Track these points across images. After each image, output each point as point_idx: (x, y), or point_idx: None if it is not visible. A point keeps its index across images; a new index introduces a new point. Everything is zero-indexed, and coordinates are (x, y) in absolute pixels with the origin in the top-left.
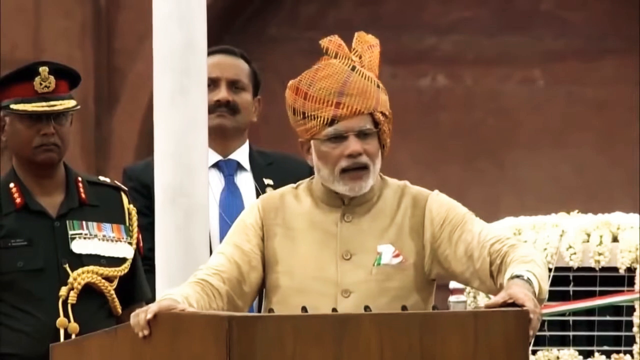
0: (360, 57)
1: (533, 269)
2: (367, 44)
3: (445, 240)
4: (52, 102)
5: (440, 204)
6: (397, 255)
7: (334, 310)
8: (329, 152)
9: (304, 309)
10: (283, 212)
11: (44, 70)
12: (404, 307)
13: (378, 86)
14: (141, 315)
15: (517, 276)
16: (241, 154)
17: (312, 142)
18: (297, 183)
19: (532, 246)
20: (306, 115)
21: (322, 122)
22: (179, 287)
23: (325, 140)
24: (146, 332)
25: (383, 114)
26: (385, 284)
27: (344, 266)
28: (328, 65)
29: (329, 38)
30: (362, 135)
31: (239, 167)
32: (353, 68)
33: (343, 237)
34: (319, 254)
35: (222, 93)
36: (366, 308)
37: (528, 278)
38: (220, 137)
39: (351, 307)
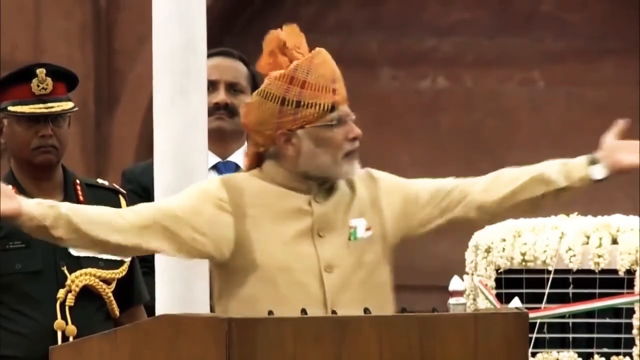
0: (299, 49)
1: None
2: (301, 37)
3: (403, 199)
4: (49, 104)
5: (387, 176)
6: (368, 229)
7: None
8: (333, 137)
9: (304, 310)
10: (249, 193)
11: (41, 72)
12: (403, 309)
13: None
14: None
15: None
16: (240, 156)
17: (299, 131)
18: (248, 172)
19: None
20: (302, 103)
21: (322, 108)
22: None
23: (328, 126)
24: None
25: None
26: (362, 258)
27: (321, 242)
28: (319, 52)
29: (275, 32)
30: (352, 121)
31: (237, 169)
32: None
33: (316, 215)
34: (295, 232)
35: (221, 95)
36: (366, 310)
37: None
38: (219, 140)
39: (336, 282)
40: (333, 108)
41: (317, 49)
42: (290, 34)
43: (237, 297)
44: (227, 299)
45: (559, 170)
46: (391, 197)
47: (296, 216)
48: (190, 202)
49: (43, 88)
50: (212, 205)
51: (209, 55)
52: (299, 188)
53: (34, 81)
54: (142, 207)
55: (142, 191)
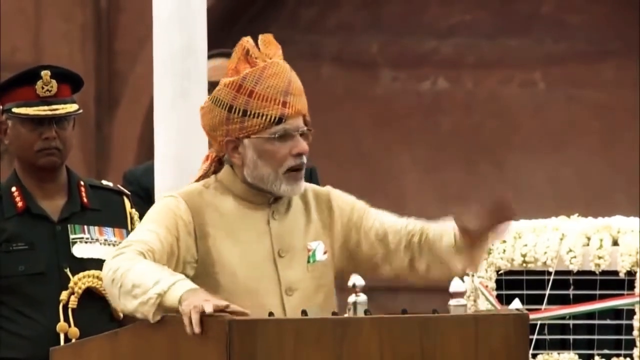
0: (270, 59)
1: None
2: (274, 46)
3: (354, 231)
4: (54, 106)
5: (343, 198)
6: (325, 252)
7: (304, 312)
8: (276, 151)
9: (304, 312)
10: (208, 211)
11: (45, 74)
12: (404, 311)
13: None
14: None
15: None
16: None
17: (245, 141)
18: (202, 182)
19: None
20: (248, 113)
21: (268, 120)
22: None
23: (270, 139)
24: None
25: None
26: (320, 281)
27: (282, 264)
28: (273, 64)
29: (246, 39)
30: (303, 135)
31: None
32: (290, 69)
33: (275, 235)
34: (256, 253)
35: None
36: (366, 312)
37: None
38: None
39: (296, 305)
40: (280, 120)
41: (274, 59)
42: (263, 43)
43: None
44: None
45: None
46: (343, 223)
47: (256, 236)
48: (168, 236)
49: (48, 90)
50: (182, 230)
51: (210, 57)
52: (255, 201)
53: (39, 83)
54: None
55: (142, 192)
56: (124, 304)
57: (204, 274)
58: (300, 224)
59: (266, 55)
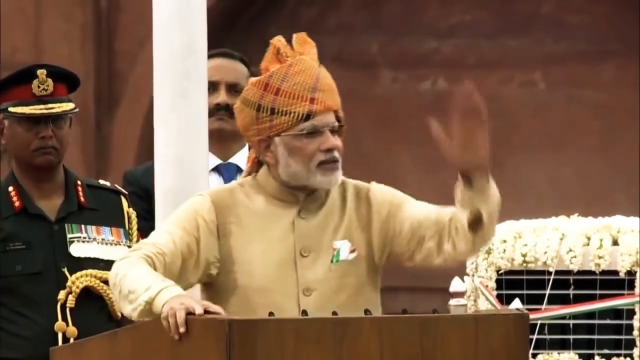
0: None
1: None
2: (309, 44)
3: (391, 224)
4: (50, 105)
5: (382, 193)
6: (353, 251)
7: (304, 312)
8: (304, 147)
9: (304, 312)
10: (236, 210)
11: (41, 73)
12: (404, 311)
13: None
14: (179, 312)
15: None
16: (241, 158)
17: (276, 139)
18: (240, 181)
19: None
20: (276, 111)
21: (296, 117)
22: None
23: (299, 136)
24: (182, 330)
25: (341, 111)
26: (343, 280)
27: (303, 264)
28: (300, 61)
29: (277, 38)
30: (333, 131)
31: (238, 170)
32: (319, 65)
33: (300, 234)
34: (277, 252)
35: (222, 96)
36: (366, 311)
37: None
38: (219, 141)
39: (313, 305)
40: (308, 117)
41: (300, 57)
42: (297, 41)
43: None
44: None
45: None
46: (382, 216)
47: (281, 234)
48: (186, 237)
49: (44, 89)
50: (203, 230)
51: (210, 56)
52: (287, 199)
53: (35, 82)
54: (157, 269)
55: (143, 193)
56: (122, 308)
57: (224, 272)
58: (332, 222)
59: (299, 54)
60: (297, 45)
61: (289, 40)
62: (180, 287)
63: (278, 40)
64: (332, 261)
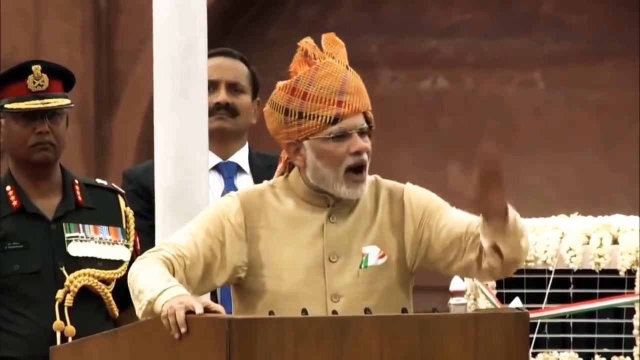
0: (333, 58)
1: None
2: (338, 45)
3: (426, 230)
4: (45, 100)
5: (418, 196)
6: (382, 256)
7: (334, 312)
8: (333, 151)
9: (304, 310)
10: (265, 213)
11: (36, 68)
12: (404, 310)
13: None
14: (179, 312)
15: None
16: (241, 157)
17: (305, 142)
18: (272, 181)
19: None
20: (304, 115)
21: (324, 120)
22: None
23: (327, 139)
24: (184, 330)
25: (370, 112)
26: (372, 286)
27: (332, 269)
28: (326, 64)
29: (305, 40)
30: (362, 134)
31: (238, 169)
32: (346, 67)
33: (329, 239)
34: (306, 257)
35: (222, 95)
36: (366, 310)
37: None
38: (219, 140)
39: (341, 311)
40: (336, 120)
41: (326, 59)
42: (326, 42)
43: None
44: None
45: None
46: (416, 221)
47: (311, 239)
48: (209, 240)
49: (39, 84)
50: (230, 233)
51: (210, 55)
52: (317, 203)
53: (30, 77)
54: (176, 271)
55: (142, 191)
56: (135, 308)
57: (252, 276)
58: (362, 227)
59: (328, 54)
60: (326, 46)
61: (317, 41)
62: (205, 290)
63: (306, 42)
64: (360, 267)
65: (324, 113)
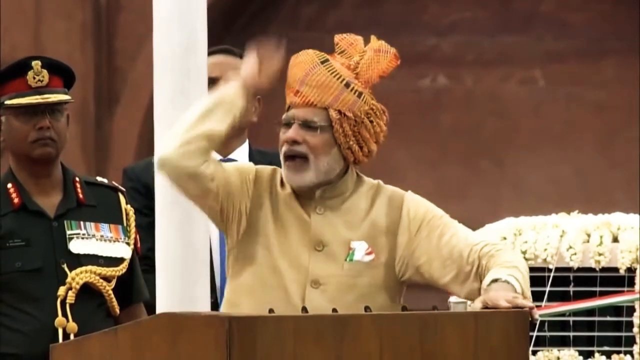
0: (361, 58)
1: (514, 274)
2: (380, 49)
3: (423, 244)
4: (46, 95)
5: (417, 206)
6: (369, 253)
7: (304, 310)
8: (280, 138)
9: (304, 309)
10: (269, 191)
11: (36, 64)
12: (404, 308)
13: (347, 85)
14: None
15: (495, 280)
16: (241, 154)
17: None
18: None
19: (518, 253)
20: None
21: (286, 108)
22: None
23: (281, 126)
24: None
25: (341, 112)
26: (355, 280)
27: (316, 257)
28: (302, 54)
29: (343, 35)
30: (306, 126)
31: None
32: (324, 61)
33: (315, 228)
34: (295, 240)
35: None
36: (366, 308)
37: (506, 280)
38: None
39: (318, 298)
40: (289, 108)
41: (304, 50)
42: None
43: (232, 284)
44: (228, 284)
45: None
46: (411, 232)
47: (298, 226)
48: (231, 177)
49: (39, 80)
50: (245, 190)
51: (210, 53)
52: (304, 194)
53: (30, 73)
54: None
55: (143, 188)
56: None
57: (247, 238)
58: (351, 219)
59: (362, 52)
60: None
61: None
62: (224, 198)
63: (342, 38)
64: (345, 259)
65: (287, 100)
